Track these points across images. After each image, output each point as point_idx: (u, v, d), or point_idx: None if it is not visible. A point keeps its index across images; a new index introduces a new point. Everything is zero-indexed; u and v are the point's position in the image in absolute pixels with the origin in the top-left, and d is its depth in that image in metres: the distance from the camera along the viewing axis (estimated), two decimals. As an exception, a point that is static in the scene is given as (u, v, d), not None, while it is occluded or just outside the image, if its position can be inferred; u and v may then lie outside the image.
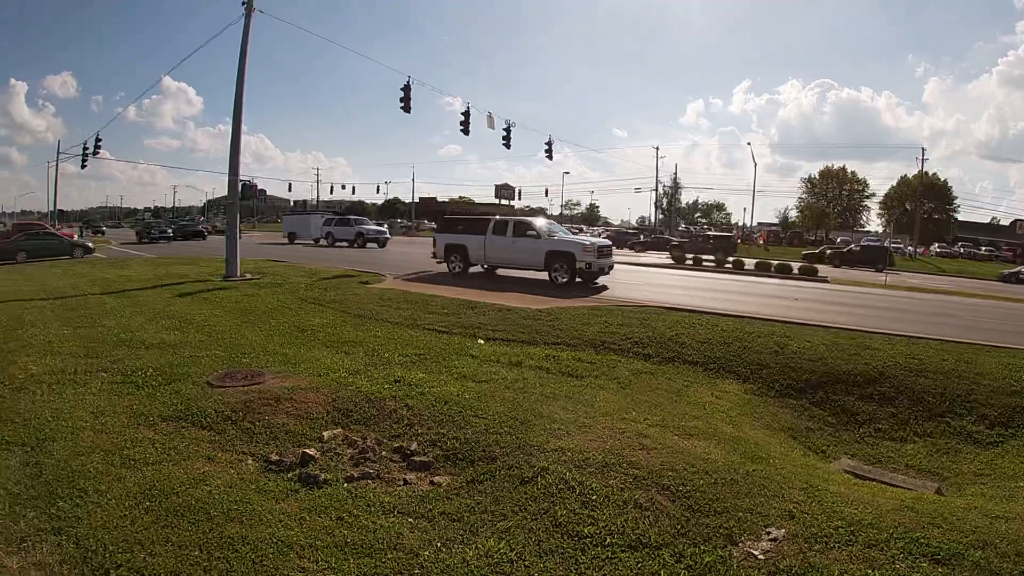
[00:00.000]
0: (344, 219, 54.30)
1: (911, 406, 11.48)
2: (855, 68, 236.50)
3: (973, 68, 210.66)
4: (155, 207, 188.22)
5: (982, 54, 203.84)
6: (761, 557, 5.18)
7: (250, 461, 6.60)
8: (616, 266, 24.63)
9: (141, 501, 5.52)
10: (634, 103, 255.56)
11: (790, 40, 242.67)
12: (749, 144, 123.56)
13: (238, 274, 23.09)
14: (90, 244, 40.78)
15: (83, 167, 48.00)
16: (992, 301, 28.50)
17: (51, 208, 78.50)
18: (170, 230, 63.26)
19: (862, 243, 68.65)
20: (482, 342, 12.78)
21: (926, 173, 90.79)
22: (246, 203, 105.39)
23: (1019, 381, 12.03)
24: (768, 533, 5.51)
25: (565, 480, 5.96)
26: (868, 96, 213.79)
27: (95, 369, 9.88)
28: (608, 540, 5.15)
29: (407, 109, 28.62)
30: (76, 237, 44.08)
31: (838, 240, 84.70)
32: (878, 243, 68.09)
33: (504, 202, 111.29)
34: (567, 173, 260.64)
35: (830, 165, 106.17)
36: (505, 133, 34.60)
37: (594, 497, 5.68)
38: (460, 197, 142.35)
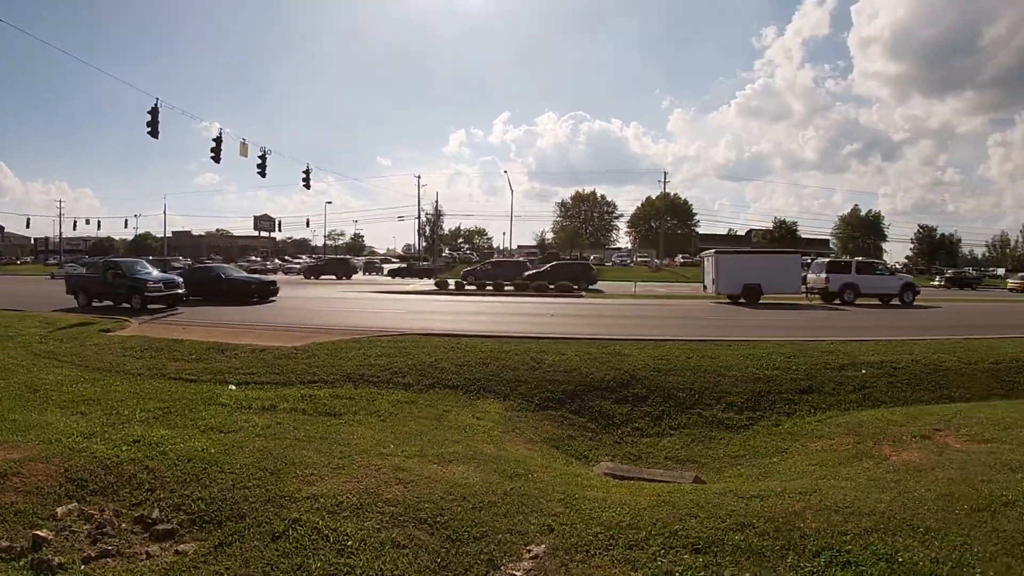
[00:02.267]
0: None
1: (664, 403, 12.47)
2: (606, 102, 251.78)
3: (714, 100, 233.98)
4: None
5: (723, 88, 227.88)
6: (524, 578, 5.27)
7: (-27, 551, 5.94)
8: (382, 295, 24.51)
9: None
10: (399, 132, 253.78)
11: (546, 75, 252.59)
12: (506, 172, 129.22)
13: (-42, 328, 20.42)
14: None
15: None
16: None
17: None
18: (180, 280, 28.41)
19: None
20: (233, 388, 12.26)
21: (668, 194, 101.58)
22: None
23: (759, 368, 13.59)
24: (529, 551, 5.63)
25: (319, 529, 5.81)
26: (618, 127, 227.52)
27: None
28: (366, 588, 5.04)
29: (154, 134, 27.05)
30: None
31: (591, 257, 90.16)
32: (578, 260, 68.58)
33: (264, 234, 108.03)
34: (330, 203, 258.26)
35: (581, 190, 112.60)
36: (260, 161, 33.37)
37: (350, 543, 5.58)
38: (217, 230, 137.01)
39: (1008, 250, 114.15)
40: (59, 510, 6.67)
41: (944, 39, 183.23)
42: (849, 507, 6.56)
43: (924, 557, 5.60)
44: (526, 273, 45.41)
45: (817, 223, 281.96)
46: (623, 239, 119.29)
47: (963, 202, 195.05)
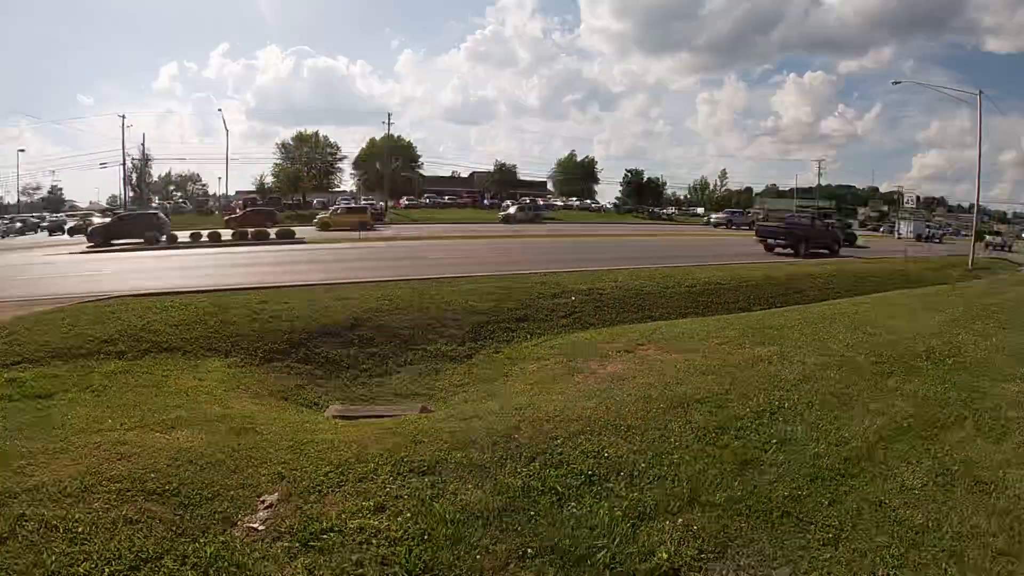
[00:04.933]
0: None
1: (388, 342, 12.87)
2: (333, 37, 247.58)
3: (444, 43, 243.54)
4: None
5: (454, 32, 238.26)
6: (261, 528, 5.40)
7: None
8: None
9: None
10: (102, 64, 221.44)
11: (269, 4, 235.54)
12: (220, 110, 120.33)
13: None
14: None
15: None
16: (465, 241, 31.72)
17: None
18: None
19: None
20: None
21: (392, 135, 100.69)
22: None
23: (477, 301, 14.34)
24: (263, 502, 5.77)
25: (47, 521, 5.41)
26: (344, 64, 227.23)
27: None
28: (107, 571, 4.84)
29: None
30: None
31: (315, 202, 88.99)
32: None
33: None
34: (22, 151, 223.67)
35: (304, 130, 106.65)
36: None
37: (81, 529, 5.30)
38: None
39: (706, 193, 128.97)
40: None
41: (667, 4, 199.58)
42: (559, 416, 7.36)
43: (627, 450, 6.50)
44: None
45: (536, 166, 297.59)
46: (348, 181, 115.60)
47: (671, 150, 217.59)
